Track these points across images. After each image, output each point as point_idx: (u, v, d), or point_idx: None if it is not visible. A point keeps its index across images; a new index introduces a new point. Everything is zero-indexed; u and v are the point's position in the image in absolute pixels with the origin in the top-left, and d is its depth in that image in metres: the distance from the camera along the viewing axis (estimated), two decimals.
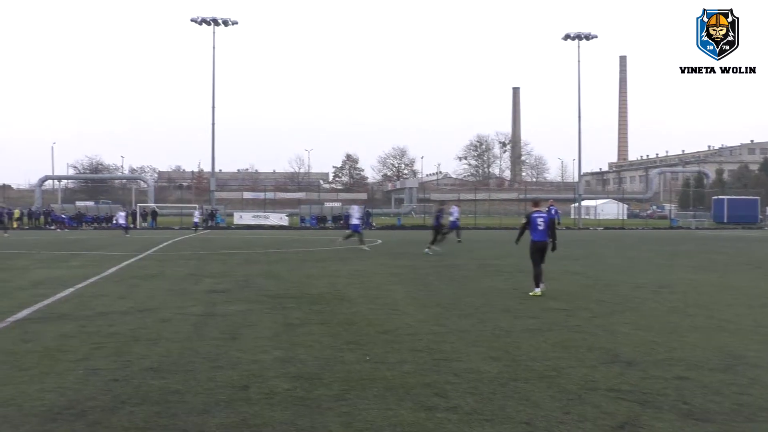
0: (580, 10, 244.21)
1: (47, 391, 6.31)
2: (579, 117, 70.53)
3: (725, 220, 68.26)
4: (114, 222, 54.45)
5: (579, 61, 69.28)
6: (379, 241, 35.35)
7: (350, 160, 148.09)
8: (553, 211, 30.78)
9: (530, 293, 13.11)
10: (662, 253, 26.81)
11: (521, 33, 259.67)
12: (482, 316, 10.65)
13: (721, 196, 76.62)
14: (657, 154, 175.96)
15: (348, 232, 30.15)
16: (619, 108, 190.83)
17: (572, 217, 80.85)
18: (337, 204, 75.41)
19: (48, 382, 6.61)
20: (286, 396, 6.13)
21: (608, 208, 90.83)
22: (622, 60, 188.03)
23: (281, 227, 58.64)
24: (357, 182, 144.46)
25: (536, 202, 14.22)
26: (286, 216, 64.63)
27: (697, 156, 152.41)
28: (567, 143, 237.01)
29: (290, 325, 9.76)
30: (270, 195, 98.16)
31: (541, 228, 13.40)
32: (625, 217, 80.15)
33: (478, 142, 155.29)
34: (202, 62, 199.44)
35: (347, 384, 6.51)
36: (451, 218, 31.66)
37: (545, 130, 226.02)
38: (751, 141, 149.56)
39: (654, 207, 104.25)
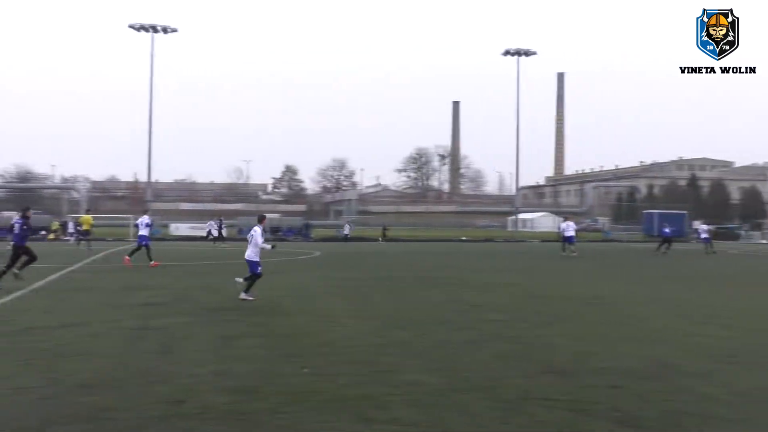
0: (521, 26, 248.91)
1: None
2: (517, 131, 71.88)
3: (655, 233, 70.22)
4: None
5: (518, 77, 70.66)
6: (318, 253, 35.19)
7: (289, 172, 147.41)
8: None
9: None
10: (597, 266, 27.42)
11: (463, 47, 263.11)
12: (421, 327, 10.68)
13: (651, 210, 78.84)
14: (592, 169, 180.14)
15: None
16: (556, 123, 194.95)
17: (509, 229, 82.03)
18: (275, 215, 74.81)
19: None
20: (223, 410, 6.03)
21: (544, 221, 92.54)
22: (560, 76, 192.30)
23: (219, 239, 57.75)
24: (296, 193, 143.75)
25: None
26: (225, 227, 63.69)
27: (629, 171, 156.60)
28: (505, 157, 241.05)
29: (228, 338, 9.60)
30: (208, 206, 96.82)
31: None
32: None
33: (417, 154, 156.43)
34: (139, 69, 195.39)
35: (285, 397, 6.44)
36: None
37: (484, 144, 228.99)
38: (680, 158, 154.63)
39: (589, 220, 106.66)
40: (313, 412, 5.96)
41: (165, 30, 64.42)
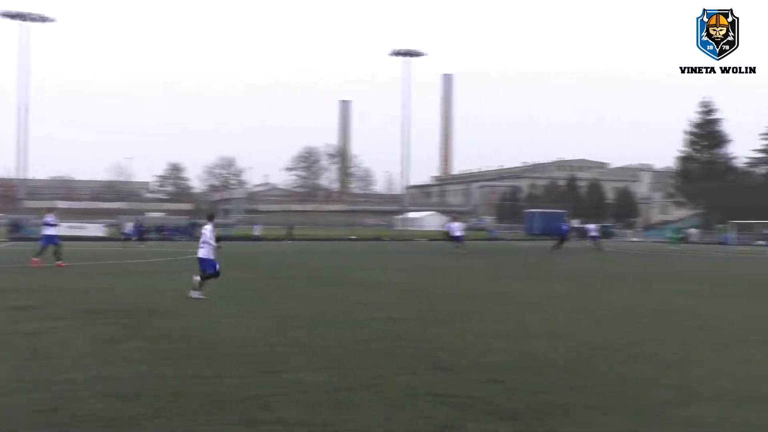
0: (409, 27, 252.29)
1: None
2: (405, 131, 72.85)
3: (537, 232, 72.85)
4: None
5: (407, 77, 71.65)
6: None
7: (175, 170, 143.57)
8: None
9: None
10: (482, 264, 28.17)
11: (354, 48, 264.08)
12: (311, 327, 10.65)
13: (533, 210, 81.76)
14: (478, 169, 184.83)
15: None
16: (443, 123, 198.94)
17: (397, 228, 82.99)
18: (160, 214, 72.71)
19: None
20: (100, 416, 5.80)
21: (432, 220, 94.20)
22: (447, 78, 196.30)
23: (99, 238, 55.57)
24: (182, 192, 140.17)
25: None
26: (104, 227, 61.35)
27: (513, 171, 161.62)
28: (394, 156, 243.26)
29: (106, 341, 9.23)
30: (87, 204, 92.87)
31: None
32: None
33: (306, 153, 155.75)
34: (10, 60, 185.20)
35: (167, 401, 6.26)
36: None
37: (374, 143, 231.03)
38: (560, 158, 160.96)
39: (474, 219, 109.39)
40: (196, 416, 5.84)
41: (44, 19, 61.26)
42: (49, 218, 23.37)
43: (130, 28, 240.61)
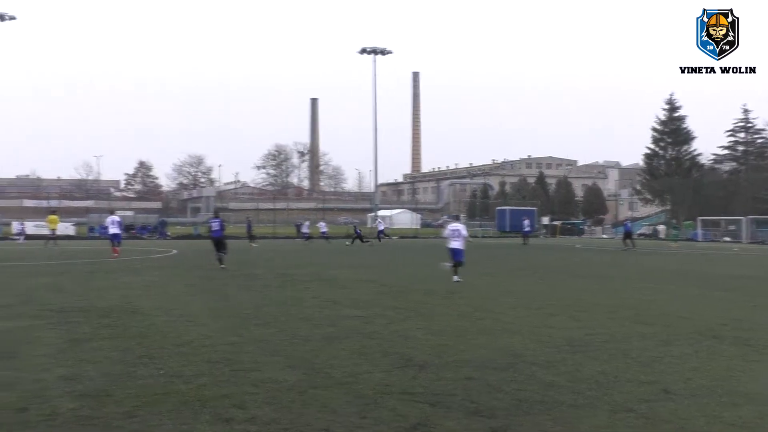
0: (376, 25, 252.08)
1: None
2: (375, 129, 72.68)
3: (507, 229, 73.29)
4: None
5: (375, 75, 71.42)
6: (175, 251, 34.18)
7: (143, 168, 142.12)
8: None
9: None
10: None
11: (322, 45, 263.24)
12: (281, 325, 10.61)
13: (503, 207, 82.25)
14: (448, 167, 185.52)
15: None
16: (413, 121, 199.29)
17: (369, 226, 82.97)
18: (129, 213, 71.92)
19: None
20: (71, 416, 5.73)
21: (403, 218, 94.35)
22: (415, 75, 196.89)
23: (67, 237, 54.80)
24: (151, 190, 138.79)
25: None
26: (73, 225, 60.52)
27: (483, 169, 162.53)
28: (364, 154, 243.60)
29: (76, 341, 9.12)
30: (54, 203, 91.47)
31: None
32: (419, 227, 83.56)
33: (276, 151, 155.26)
34: None
35: (139, 400, 6.20)
36: None
37: (343, 141, 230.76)
38: (529, 156, 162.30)
39: (445, 217, 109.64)
40: (169, 414, 5.79)
41: (2, 17, 60.04)
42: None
43: (99, 25, 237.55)
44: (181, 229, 72.20)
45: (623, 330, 10.45)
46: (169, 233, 58.79)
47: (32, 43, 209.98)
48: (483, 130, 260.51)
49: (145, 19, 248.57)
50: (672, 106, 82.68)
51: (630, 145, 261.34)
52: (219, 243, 22.30)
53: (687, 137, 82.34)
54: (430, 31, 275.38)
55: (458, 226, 18.42)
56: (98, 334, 9.70)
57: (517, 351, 8.65)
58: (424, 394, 6.51)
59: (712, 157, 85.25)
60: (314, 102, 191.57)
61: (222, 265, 21.41)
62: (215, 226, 22.89)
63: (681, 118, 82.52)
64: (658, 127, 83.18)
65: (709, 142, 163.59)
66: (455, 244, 17.87)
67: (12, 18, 60.53)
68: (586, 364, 7.93)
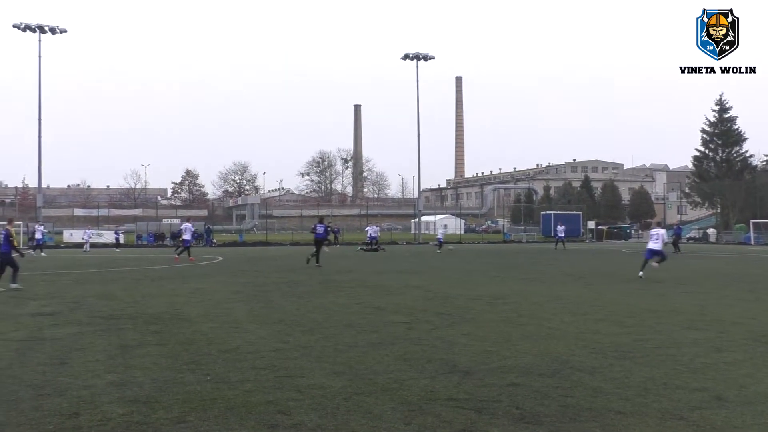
0: (420, 31, 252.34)
1: None
2: (418, 135, 72.75)
3: (552, 234, 72.55)
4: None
5: (417, 81, 71.51)
6: (220, 258, 34.60)
7: (190, 176, 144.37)
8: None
9: None
10: (497, 266, 28.08)
11: (364, 52, 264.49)
12: (325, 331, 10.65)
13: (548, 212, 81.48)
14: (491, 171, 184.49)
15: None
16: (456, 126, 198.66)
17: (413, 232, 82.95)
18: (176, 221, 73.10)
19: None
20: (121, 421, 5.83)
21: (446, 223, 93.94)
22: (458, 80, 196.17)
23: (116, 245, 55.88)
24: (197, 198, 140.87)
25: None
26: (122, 233, 61.71)
27: (527, 174, 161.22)
28: (407, 160, 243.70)
29: (125, 347, 9.29)
30: (104, 211, 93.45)
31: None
32: (463, 232, 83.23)
33: (320, 158, 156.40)
34: (26, 70, 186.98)
35: (187, 406, 6.28)
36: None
37: (386, 147, 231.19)
38: (574, 160, 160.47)
39: (489, 222, 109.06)
40: (216, 420, 5.84)
41: (53, 30, 61.56)
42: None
43: (146, 35, 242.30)
44: (227, 237, 73.06)
45: (673, 336, 10.24)
46: (215, 240, 59.54)
47: (79, 53, 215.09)
48: (527, 134, 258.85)
49: (192, 29, 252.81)
50: (722, 107, 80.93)
51: (678, 147, 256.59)
52: (319, 243, 27.36)
53: (738, 138, 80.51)
54: (473, 35, 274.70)
55: (660, 231, 21.60)
56: (146, 340, 9.87)
57: (562, 357, 8.53)
58: (469, 401, 6.46)
59: (765, 158, 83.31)
60: (357, 108, 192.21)
61: (317, 264, 26.35)
62: (320, 229, 27.53)
63: (732, 119, 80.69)
64: (708, 128, 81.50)
65: (761, 142, 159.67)
66: (655, 245, 20.73)
67: (63, 31, 62.14)
68: (635, 370, 7.78)
